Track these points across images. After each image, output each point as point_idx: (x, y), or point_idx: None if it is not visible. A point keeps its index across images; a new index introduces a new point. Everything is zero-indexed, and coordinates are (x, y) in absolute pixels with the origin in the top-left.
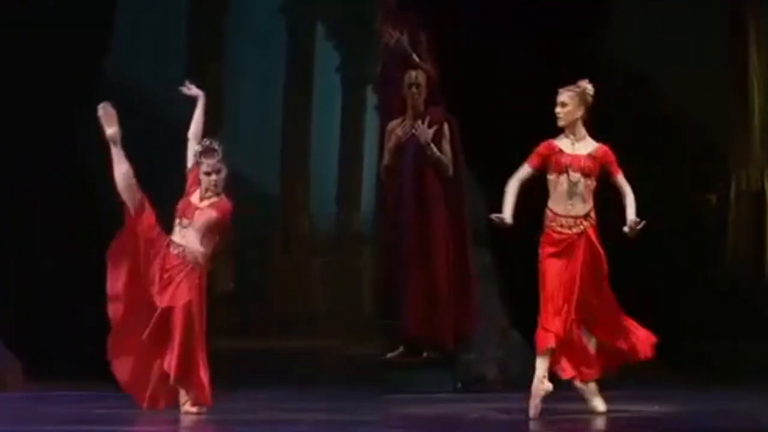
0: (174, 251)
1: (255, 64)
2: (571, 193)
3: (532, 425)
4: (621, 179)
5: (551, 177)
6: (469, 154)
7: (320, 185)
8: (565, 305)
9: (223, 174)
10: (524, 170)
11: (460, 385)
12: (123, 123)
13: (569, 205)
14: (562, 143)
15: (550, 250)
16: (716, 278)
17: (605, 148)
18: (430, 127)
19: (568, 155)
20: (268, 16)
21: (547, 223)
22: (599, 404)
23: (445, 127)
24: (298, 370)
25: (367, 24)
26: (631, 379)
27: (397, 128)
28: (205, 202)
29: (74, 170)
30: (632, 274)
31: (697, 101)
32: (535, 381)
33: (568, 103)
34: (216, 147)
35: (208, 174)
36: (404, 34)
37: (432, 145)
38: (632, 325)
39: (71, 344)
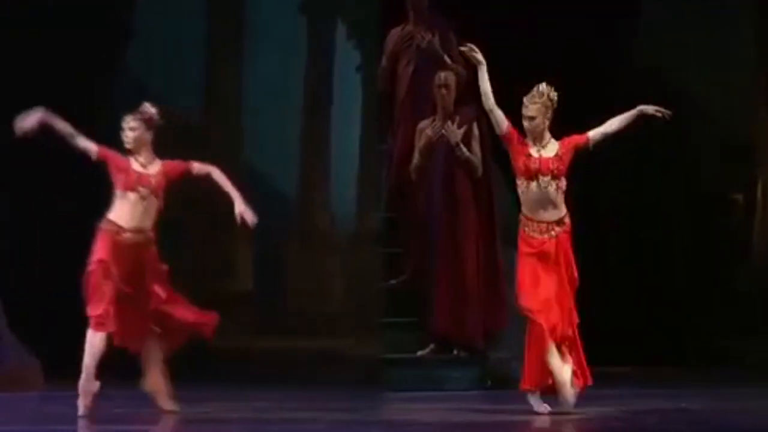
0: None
1: (274, 64)
2: (543, 198)
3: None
4: (592, 134)
5: (520, 183)
6: (499, 154)
7: (340, 185)
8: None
9: (138, 134)
10: (502, 119)
11: (490, 382)
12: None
13: (543, 212)
14: (530, 149)
15: (528, 249)
16: (743, 277)
17: (563, 140)
18: (459, 127)
19: (536, 159)
20: (288, 15)
21: (520, 228)
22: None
23: (475, 127)
24: (318, 369)
25: (388, 23)
26: (655, 377)
27: (428, 128)
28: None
29: (94, 171)
30: (659, 273)
31: (722, 101)
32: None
33: (536, 116)
34: (144, 109)
35: (122, 131)
36: (435, 35)
37: (462, 145)
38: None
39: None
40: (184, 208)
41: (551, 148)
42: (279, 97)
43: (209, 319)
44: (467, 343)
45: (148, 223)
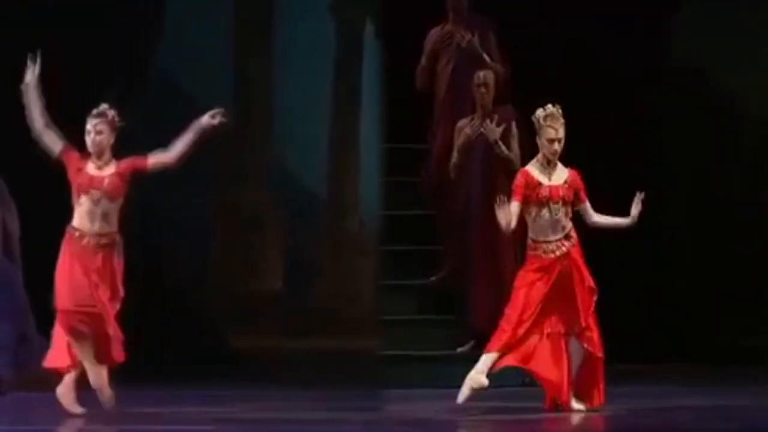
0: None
1: (303, 64)
2: (553, 223)
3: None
4: (588, 206)
5: (531, 209)
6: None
7: (369, 186)
8: (528, 320)
9: (104, 137)
10: (515, 207)
11: (527, 379)
12: (166, 117)
13: (551, 234)
14: (538, 175)
15: (531, 276)
16: None
17: (574, 173)
18: (498, 125)
19: (546, 187)
20: (316, 14)
21: (529, 252)
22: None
23: (513, 125)
24: (350, 369)
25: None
26: (680, 375)
27: (466, 127)
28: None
29: None
30: (686, 271)
31: (756, 101)
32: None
33: (563, 138)
34: (106, 112)
35: (88, 133)
36: (475, 35)
37: (500, 144)
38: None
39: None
40: (214, 208)
41: (560, 175)
42: (308, 96)
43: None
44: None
45: (111, 227)
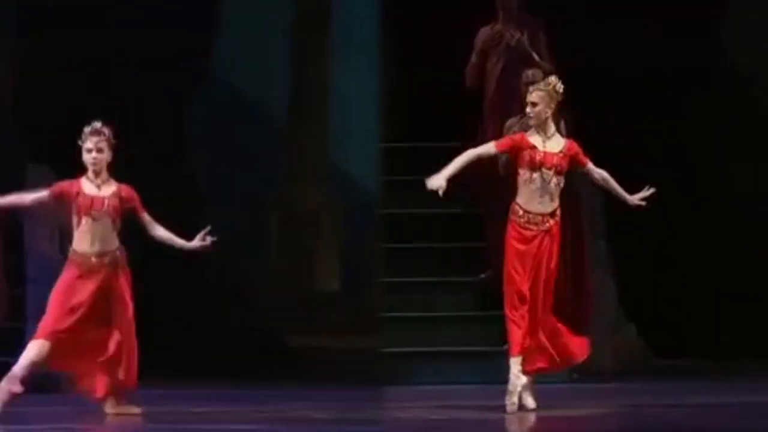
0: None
1: (360, 63)
2: (543, 191)
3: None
4: (592, 166)
5: (523, 173)
6: (585, 149)
7: None
8: (533, 300)
9: (105, 155)
10: (488, 147)
11: (575, 375)
12: (223, 121)
13: (539, 204)
14: (534, 140)
15: (517, 245)
16: None
17: (571, 142)
18: None
19: (541, 152)
20: (373, 14)
21: (513, 217)
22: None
23: (562, 123)
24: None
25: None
26: (709, 369)
27: (515, 125)
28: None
29: (181, 166)
30: (731, 267)
31: None
32: (512, 377)
33: (539, 102)
34: (103, 130)
35: (89, 152)
36: (524, 34)
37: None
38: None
39: (186, 343)
40: (271, 207)
41: (556, 143)
42: (364, 96)
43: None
44: None
45: (112, 245)
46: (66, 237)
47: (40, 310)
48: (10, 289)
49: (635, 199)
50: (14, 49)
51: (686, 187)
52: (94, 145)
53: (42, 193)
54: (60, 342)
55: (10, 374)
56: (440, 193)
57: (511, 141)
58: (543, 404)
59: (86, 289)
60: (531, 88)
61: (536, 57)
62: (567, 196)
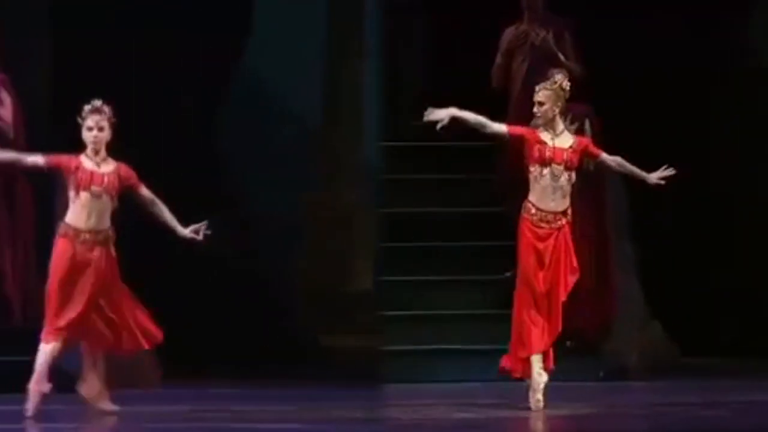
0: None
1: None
2: (554, 187)
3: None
4: (605, 155)
5: (534, 169)
6: (610, 148)
7: None
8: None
9: (106, 134)
10: (500, 127)
11: (602, 374)
12: (254, 117)
13: (551, 201)
14: (544, 136)
15: (532, 243)
16: None
17: (582, 139)
18: (572, 123)
19: (551, 148)
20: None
21: (526, 215)
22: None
23: (587, 123)
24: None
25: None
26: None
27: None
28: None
29: (215, 167)
30: (749, 268)
31: None
32: (535, 375)
33: (545, 101)
34: (104, 108)
35: (90, 129)
36: (549, 33)
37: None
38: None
39: (220, 343)
40: (304, 207)
41: (566, 139)
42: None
43: (156, 332)
44: (579, 335)
45: (106, 223)
46: None
47: None
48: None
49: (654, 177)
50: (48, 49)
51: (711, 186)
52: (95, 124)
53: (38, 159)
54: (68, 333)
55: (34, 376)
56: (438, 126)
57: (523, 130)
58: (569, 402)
59: (83, 279)
60: (537, 87)
61: (561, 57)
62: (592, 196)
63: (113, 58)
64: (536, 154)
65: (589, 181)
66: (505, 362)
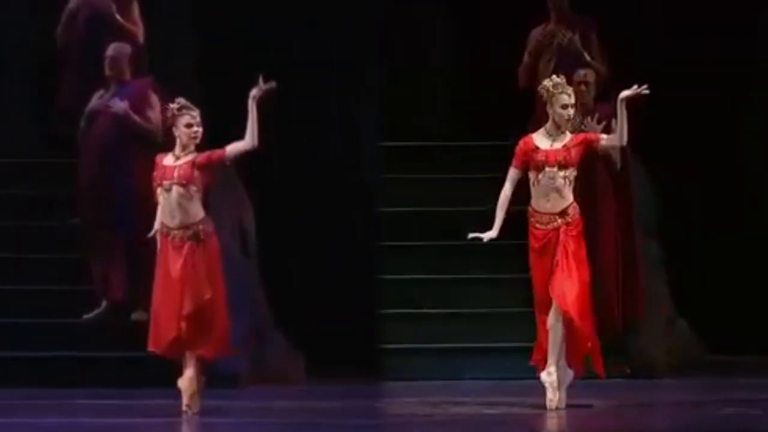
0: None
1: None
2: (549, 188)
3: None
4: (604, 135)
5: (531, 175)
6: (638, 148)
7: None
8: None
9: (202, 129)
10: (512, 173)
11: (629, 371)
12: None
13: (547, 202)
14: (540, 140)
15: (534, 245)
16: None
17: (578, 135)
18: (599, 123)
19: (543, 151)
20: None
21: (530, 220)
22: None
23: (613, 122)
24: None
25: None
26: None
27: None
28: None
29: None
30: None
31: None
32: (544, 375)
33: (573, 103)
34: (191, 105)
35: (189, 126)
36: (576, 33)
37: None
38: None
39: (351, 340)
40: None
41: (562, 139)
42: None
43: (224, 347)
44: (607, 331)
45: (190, 218)
46: (246, 234)
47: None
48: None
49: (624, 93)
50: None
51: (738, 184)
52: (194, 120)
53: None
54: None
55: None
56: (486, 238)
57: (521, 152)
58: (596, 399)
59: (176, 286)
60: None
61: (587, 56)
62: (620, 195)
63: (256, 57)
64: (531, 161)
65: (617, 180)
66: (535, 356)
